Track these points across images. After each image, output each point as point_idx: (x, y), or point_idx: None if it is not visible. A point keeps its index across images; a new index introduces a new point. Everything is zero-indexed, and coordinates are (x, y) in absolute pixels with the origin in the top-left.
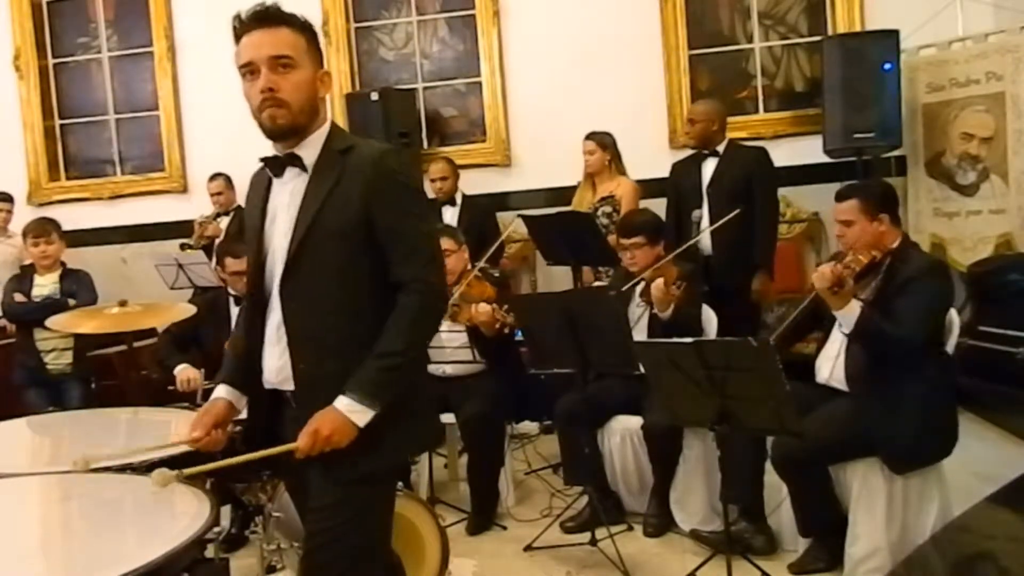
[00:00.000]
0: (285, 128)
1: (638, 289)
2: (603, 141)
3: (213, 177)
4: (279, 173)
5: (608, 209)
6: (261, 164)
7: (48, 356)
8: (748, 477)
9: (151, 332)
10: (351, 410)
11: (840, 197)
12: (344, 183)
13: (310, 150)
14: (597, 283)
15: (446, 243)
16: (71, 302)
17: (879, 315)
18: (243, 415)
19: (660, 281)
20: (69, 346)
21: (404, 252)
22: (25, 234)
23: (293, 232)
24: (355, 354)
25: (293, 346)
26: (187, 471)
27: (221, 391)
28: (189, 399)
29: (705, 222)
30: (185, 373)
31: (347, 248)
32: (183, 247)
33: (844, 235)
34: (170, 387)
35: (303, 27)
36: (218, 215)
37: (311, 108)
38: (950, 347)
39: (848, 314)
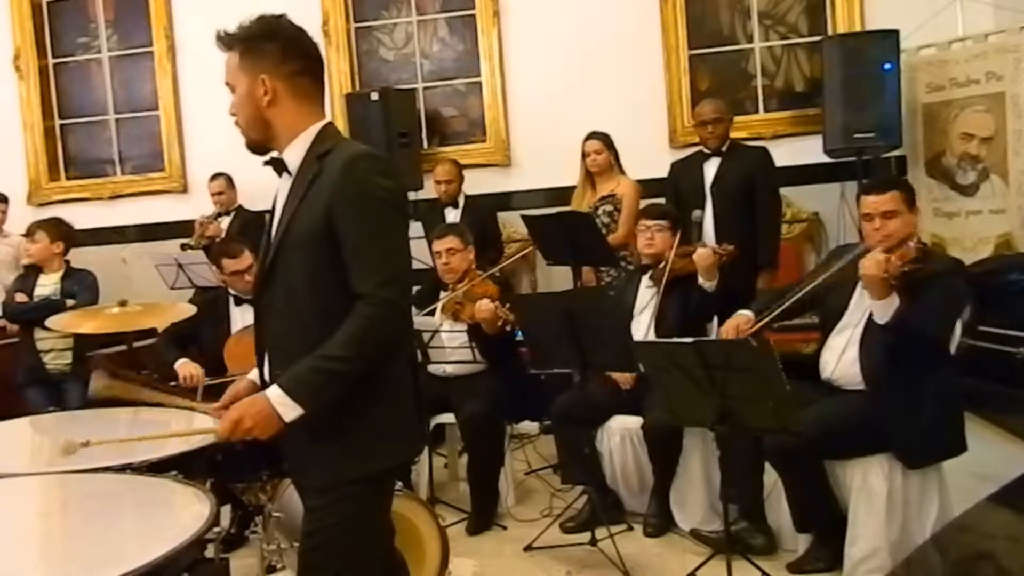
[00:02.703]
0: (248, 145)
1: (645, 276)
2: (607, 140)
3: (214, 177)
4: (280, 174)
5: (609, 208)
6: (266, 165)
7: (47, 356)
8: (747, 477)
9: (151, 332)
10: (279, 403)
11: (878, 189)
12: (315, 188)
13: (294, 154)
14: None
15: (452, 242)
16: (69, 302)
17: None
18: None
19: (706, 248)
20: (68, 346)
21: (362, 267)
22: None
23: (273, 239)
24: None
25: (270, 354)
26: (95, 440)
27: (253, 374)
28: (189, 398)
29: (708, 223)
30: (186, 368)
31: (315, 256)
32: (184, 247)
33: (884, 227)
34: (172, 383)
35: (240, 41)
36: (219, 215)
37: (256, 121)
38: (952, 348)
39: (888, 305)
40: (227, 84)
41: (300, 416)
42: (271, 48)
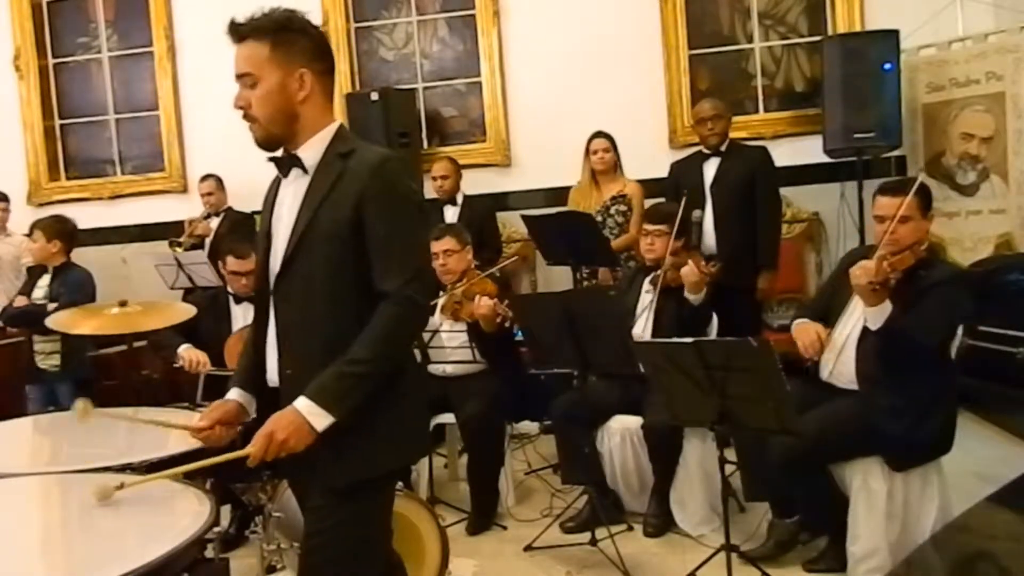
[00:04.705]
0: (262, 141)
1: (647, 279)
2: (612, 140)
3: (204, 178)
4: (285, 173)
5: (623, 208)
6: (269, 162)
7: (38, 357)
8: (770, 471)
9: (151, 332)
10: (311, 412)
11: (894, 192)
12: (341, 186)
13: (312, 152)
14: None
15: (450, 242)
16: (51, 306)
17: (903, 316)
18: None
19: (691, 264)
20: (56, 349)
21: (389, 264)
22: None
23: (291, 234)
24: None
25: (282, 349)
26: (130, 481)
27: (233, 393)
28: (190, 398)
29: (708, 223)
30: (189, 353)
31: (338, 252)
32: (172, 244)
33: (897, 231)
34: (176, 364)
35: (269, 31)
36: (208, 215)
37: (284, 116)
38: (952, 349)
39: (880, 312)
40: (245, 75)
41: (331, 424)
42: (305, 43)
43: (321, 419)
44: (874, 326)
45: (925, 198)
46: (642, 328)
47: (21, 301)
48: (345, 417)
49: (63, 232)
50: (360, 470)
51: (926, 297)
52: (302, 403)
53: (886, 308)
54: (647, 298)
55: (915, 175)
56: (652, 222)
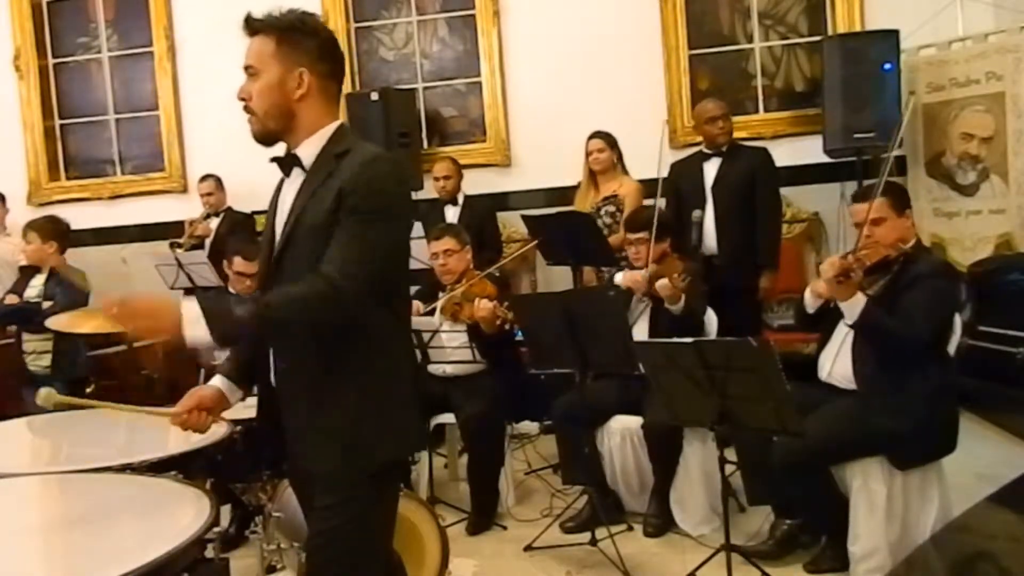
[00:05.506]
0: (258, 134)
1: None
2: (610, 140)
3: (204, 178)
4: (287, 173)
5: (612, 209)
6: (272, 162)
7: (29, 358)
8: (771, 472)
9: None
10: (190, 316)
11: (864, 197)
12: (329, 183)
13: (309, 150)
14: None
15: (449, 242)
16: (46, 305)
17: (884, 311)
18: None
19: (664, 279)
20: (47, 349)
21: (339, 254)
22: None
23: (282, 230)
24: (333, 351)
25: (274, 344)
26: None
27: (216, 380)
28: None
29: (709, 223)
30: None
31: (321, 246)
32: (172, 246)
33: (873, 234)
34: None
35: (276, 29)
36: (208, 216)
37: (280, 112)
38: (952, 348)
39: (853, 306)
40: (248, 67)
41: (200, 339)
42: (310, 44)
43: (194, 327)
44: (849, 320)
45: (898, 197)
46: (640, 331)
47: (13, 300)
48: (222, 344)
49: (58, 232)
50: (358, 462)
51: (910, 290)
52: (189, 305)
53: (859, 301)
54: (640, 305)
55: (880, 180)
56: (633, 230)
